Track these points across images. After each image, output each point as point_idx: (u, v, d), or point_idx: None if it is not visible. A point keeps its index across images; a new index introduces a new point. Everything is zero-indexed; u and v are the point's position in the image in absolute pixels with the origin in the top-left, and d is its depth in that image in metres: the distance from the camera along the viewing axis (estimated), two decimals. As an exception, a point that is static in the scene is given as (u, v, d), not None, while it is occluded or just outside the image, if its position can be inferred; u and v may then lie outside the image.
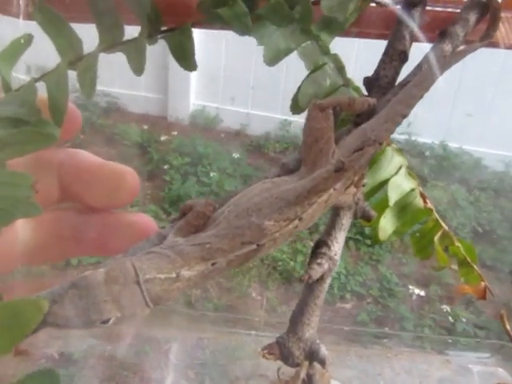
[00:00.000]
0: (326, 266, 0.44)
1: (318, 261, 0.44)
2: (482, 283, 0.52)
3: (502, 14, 0.49)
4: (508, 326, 0.52)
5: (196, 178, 2.56)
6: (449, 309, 2.09)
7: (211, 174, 2.58)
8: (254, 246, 0.38)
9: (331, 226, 0.46)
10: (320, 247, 0.45)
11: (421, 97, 0.44)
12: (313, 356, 0.43)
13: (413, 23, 0.47)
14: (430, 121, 2.64)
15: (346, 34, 0.50)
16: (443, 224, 0.52)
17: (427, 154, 2.78)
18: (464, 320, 2.05)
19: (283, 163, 0.45)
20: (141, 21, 0.47)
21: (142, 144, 2.71)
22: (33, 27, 0.45)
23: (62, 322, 0.32)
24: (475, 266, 0.52)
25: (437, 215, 0.51)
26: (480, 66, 2.18)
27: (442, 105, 2.63)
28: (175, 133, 2.88)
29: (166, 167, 2.59)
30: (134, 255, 0.37)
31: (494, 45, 0.51)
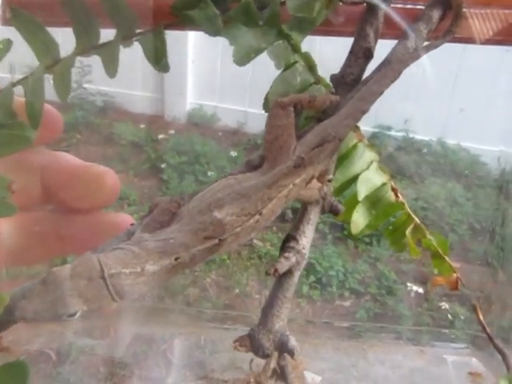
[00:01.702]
0: (293, 259, 0.45)
1: (286, 254, 0.45)
2: (454, 274, 0.53)
3: (476, 11, 0.50)
4: (481, 317, 0.53)
5: (193, 177, 2.56)
6: (447, 306, 2.09)
7: (209, 173, 2.58)
8: (216, 241, 0.39)
9: (299, 221, 0.47)
10: (288, 241, 0.46)
11: (381, 93, 0.45)
12: (282, 347, 0.44)
13: (377, 21, 0.47)
14: (427, 118, 2.64)
15: (316, 32, 0.51)
16: (415, 217, 0.53)
17: (425, 151, 2.78)
18: (462, 317, 2.05)
19: (247, 160, 0.46)
20: (116, 24, 0.48)
21: (139, 143, 2.72)
22: (14, 31, 0.46)
23: (30, 316, 0.33)
24: (447, 258, 0.53)
25: (408, 209, 0.52)
26: (477, 63, 2.19)
27: (439, 102, 2.63)
28: (172, 131, 2.88)
29: (163, 166, 2.59)
30: (102, 251, 0.38)
31: (470, 41, 0.52)
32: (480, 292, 1.98)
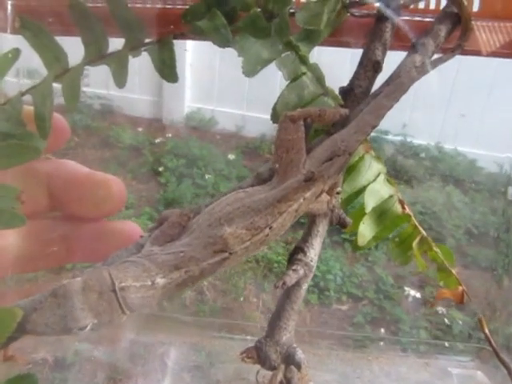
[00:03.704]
0: (301, 272, 0.45)
1: (294, 267, 0.45)
2: (460, 287, 0.53)
3: (483, 23, 0.50)
4: (487, 330, 0.53)
5: (191, 180, 2.56)
6: (445, 311, 2.09)
7: (206, 176, 2.58)
8: (225, 255, 0.39)
9: (307, 233, 0.47)
10: (296, 253, 0.46)
11: (390, 107, 0.45)
12: (289, 359, 0.44)
13: (386, 34, 0.48)
14: (424, 122, 2.64)
15: (324, 43, 0.51)
16: (421, 230, 0.53)
17: (422, 155, 2.78)
18: (460, 322, 2.04)
19: (257, 173, 0.46)
20: (125, 33, 0.48)
21: (137, 146, 2.71)
22: (21, 39, 0.46)
23: (41, 329, 0.34)
24: (453, 271, 0.53)
25: (415, 221, 0.52)
26: (475, 68, 2.19)
27: (437, 107, 2.63)
28: (170, 135, 2.87)
29: (161, 169, 2.59)
30: (112, 264, 0.38)
31: (476, 53, 0.52)
32: (483, 298, 1.98)
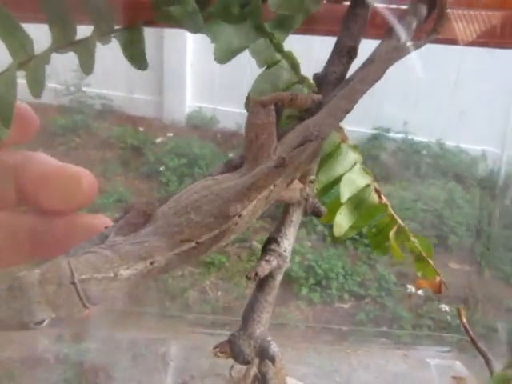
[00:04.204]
0: (274, 262, 0.43)
1: (267, 258, 0.43)
2: (438, 277, 0.52)
3: (460, 12, 0.49)
4: (465, 320, 0.52)
5: (192, 180, 2.55)
6: (447, 308, 2.08)
7: (207, 175, 2.58)
8: (192, 244, 0.38)
9: (281, 223, 0.45)
10: (269, 244, 0.45)
11: (364, 92, 0.44)
12: (263, 353, 0.43)
13: (361, 19, 0.47)
14: (426, 119, 2.63)
15: (299, 31, 0.51)
16: (399, 220, 0.52)
17: (424, 152, 2.77)
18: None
19: (227, 160, 0.45)
20: (94, 20, 0.47)
21: (138, 146, 2.71)
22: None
23: None
24: (430, 261, 0.52)
25: (392, 211, 0.51)
26: (475, 65, 2.18)
27: (438, 103, 2.63)
28: (171, 134, 2.87)
29: (162, 169, 2.59)
30: (74, 254, 0.37)
31: (453, 41, 0.51)
32: (469, 291, 1.97)
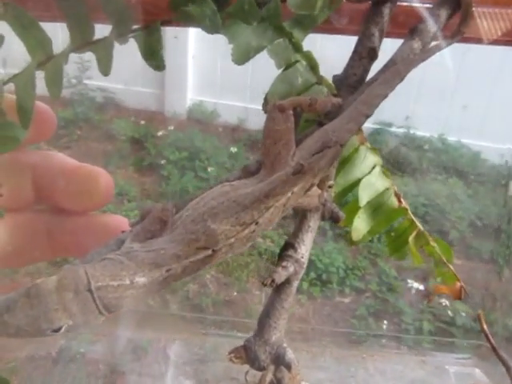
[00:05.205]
0: (291, 269, 0.43)
1: (284, 264, 0.43)
2: (458, 283, 0.51)
3: (484, 10, 0.48)
4: (485, 326, 0.51)
5: (194, 173, 2.55)
6: (448, 303, 2.08)
7: (209, 169, 2.57)
8: (209, 252, 0.37)
9: (298, 228, 0.45)
10: (286, 250, 0.44)
11: (385, 96, 0.43)
12: (279, 360, 0.43)
13: (383, 19, 0.46)
14: (428, 114, 2.63)
15: (319, 30, 0.50)
16: (418, 224, 0.51)
17: (426, 147, 2.77)
18: (463, 314, 2.04)
19: (244, 166, 0.44)
20: (112, 20, 0.47)
21: (139, 139, 2.71)
22: (6, 25, 0.44)
23: (12, 331, 0.32)
24: (451, 266, 0.51)
25: (412, 215, 0.51)
26: (478, 60, 2.17)
27: (441, 98, 2.62)
28: (172, 127, 2.86)
29: (163, 162, 2.58)
30: (91, 261, 0.37)
31: (478, 40, 0.50)
32: (485, 290, 1.97)
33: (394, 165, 2.58)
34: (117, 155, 2.63)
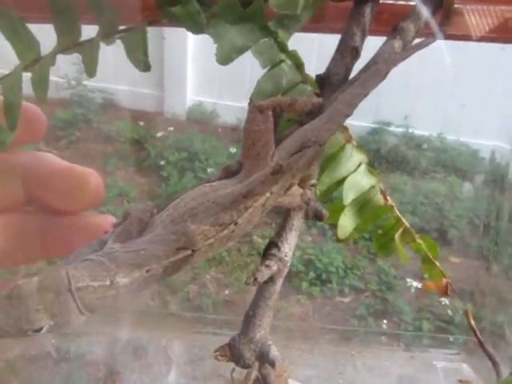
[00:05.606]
0: (274, 267, 0.43)
1: (267, 262, 0.43)
2: (444, 279, 0.51)
3: (471, 7, 0.49)
4: (472, 322, 0.51)
5: (193, 174, 2.55)
6: (447, 301, 2.08)
7: (208, 170, 2.57)
8: (188, 252, 0.38)
9: (282, 227, 0.45)
10: (270, 248, 0.44)
11: (365, 95, 0.43)
12: (263, 357, 0.43)
13: (365, 18, 0.46)
14: (427, 113, 2.63)
15: (306, 29, 0.50)
16: (404, 221, 0.51)
17: (425, 146, 2.77)
18: (461, 312, 2.04)
19: (226, 166, 0.44)
20: (98, 20, 0.47)
21: (139, 140, 2.70)
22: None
23: None
24: (437, 263, 0.51)
25: (398, 212, 0.51)
26: (476, 58, 2.17)
27: (439, 97, 2.62)
28: (172, 128, 2.86)
29: (162, 163, 2.59)
30: (74, 261, 0.37)
31: (465, 37, 0.50)
32: (475, 286, 1.97)
33: (392, 164, 2.58)
34: (116, 156, 2.63)
